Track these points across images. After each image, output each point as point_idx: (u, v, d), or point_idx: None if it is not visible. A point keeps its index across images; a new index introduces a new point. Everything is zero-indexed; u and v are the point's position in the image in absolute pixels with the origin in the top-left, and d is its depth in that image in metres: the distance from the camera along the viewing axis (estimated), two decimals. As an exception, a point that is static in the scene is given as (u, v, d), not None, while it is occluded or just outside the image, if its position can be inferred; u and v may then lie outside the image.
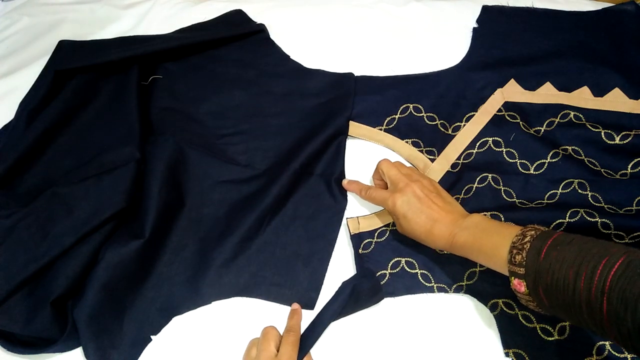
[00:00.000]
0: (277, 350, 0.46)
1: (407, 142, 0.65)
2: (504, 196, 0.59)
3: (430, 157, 0.63)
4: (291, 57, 0.74)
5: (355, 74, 0.71)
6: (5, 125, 0.69)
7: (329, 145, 0.64)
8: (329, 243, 0.58)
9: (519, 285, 0.40)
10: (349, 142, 0.65)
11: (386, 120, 0.67)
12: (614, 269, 0.33)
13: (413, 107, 0.67)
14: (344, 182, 0.61)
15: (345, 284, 0.53)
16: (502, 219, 0.57)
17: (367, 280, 0.53)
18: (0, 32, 0.83)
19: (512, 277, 0.40)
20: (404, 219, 0.51)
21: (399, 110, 0.67)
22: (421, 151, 0.64)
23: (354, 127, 0.66)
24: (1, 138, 0.67)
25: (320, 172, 0.62)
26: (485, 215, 0.53)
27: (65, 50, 0.74)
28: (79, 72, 0.68)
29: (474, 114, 0.65)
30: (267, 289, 0.55)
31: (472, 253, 0.47)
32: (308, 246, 0.57)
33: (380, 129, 0.66)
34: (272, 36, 0.77)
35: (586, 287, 0.34)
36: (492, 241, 0.44)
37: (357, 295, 0.51)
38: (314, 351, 0.50)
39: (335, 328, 0.52)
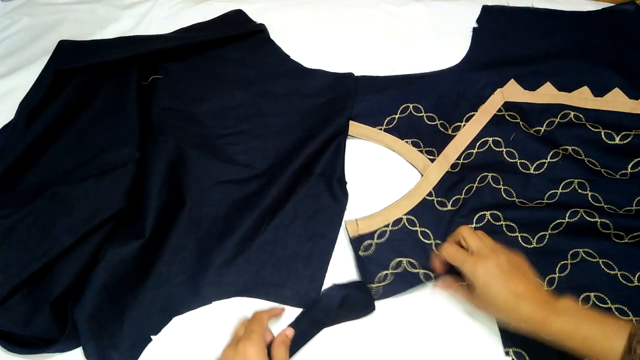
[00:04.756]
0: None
1: (407, 142, 0.65)
2: (504, 195, 0.59)
3: (430, 157, 0.63)
4: (291, 57, 0.74)
5: (355, 74, 0.71)
6: (5, 125, 0.69)
7: (328, 145, 0.63)
8: (329, 243, 0.57)
9: None
10: (349, 142, 0.65)
11: (386, 120, 0.67)
12: None
13: (413, 107, 0.67)
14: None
15: (335, 289, 0.53)
16: (502, 217, 0.57)
17: (359, 292, 0.53)
18: (0, 32, 0.83)
19: None
20: (485, 289, 0.45)
21: (399, 110, 0.67)
22: (421, 151, 0.64)
23: (354, 127, 0.66)
24: (1, 138, 0.67)
25: (320, 172, 0.62)
26: (576, 300, 0.48)
27: (66, 51, 0.74)
28: (79, 72, 0.68)
29: (474, 114, 0.65)
30: (266, 289, 0.55)
31: (571, 340, 0.42)
32: (308, 246, 0.57)
33: (380, 129, 0.66)
34: (272, 36, 0.77)
35: None
36: (599, 330, 0.41)
37: (348, 306, 0.52)
38: (313, 351, 0.50)
39: (335, 327, 0.52)
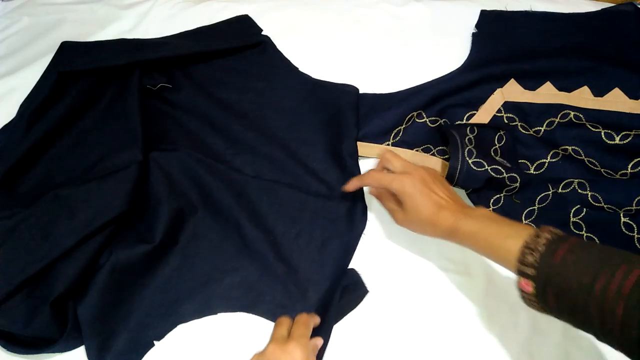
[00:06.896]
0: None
1: (417, 150, 0.64)
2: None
3: (443, 157, 0.63)
4: (291, 58, 0.74)
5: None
6: (6, 125, 0.68)
7: (341, 165, 0.62)
8: (342, 271, 0.56)
9: (526, 286, 0.39)
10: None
11: (393, 134, 0.66)
12: (634, 274, 0.33)
13: (417, 114, 0.66)
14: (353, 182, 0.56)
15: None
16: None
17: (352, 278, 0.55)
18: (0, 32, 0.83)
19: (520, 277, 0.39)
20: (410, 201, 0.49)
21: (404, 121, 0.66)
22: (433, 154, 0.63)
23: (362, 147, 0.65)
24: (1, 138, 0.67)
25: (340, 196, 0.60)
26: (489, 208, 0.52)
27: (68, 52, 0.73)
28: (82, 74, 0.67)
29: (474, 113, 0.65)
30: (274, 310, 0.54)
31: (476, 242, 0.45)
32: (321, 272, 0.56)
33: (388, 144, 0.65)
34: (272, 36, 0.76)
35: (602, 290, 0.34)
36: (502, 232, 0.43)
37: (347, 295, 0.53)
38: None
39: (337, 327, 0.52)
